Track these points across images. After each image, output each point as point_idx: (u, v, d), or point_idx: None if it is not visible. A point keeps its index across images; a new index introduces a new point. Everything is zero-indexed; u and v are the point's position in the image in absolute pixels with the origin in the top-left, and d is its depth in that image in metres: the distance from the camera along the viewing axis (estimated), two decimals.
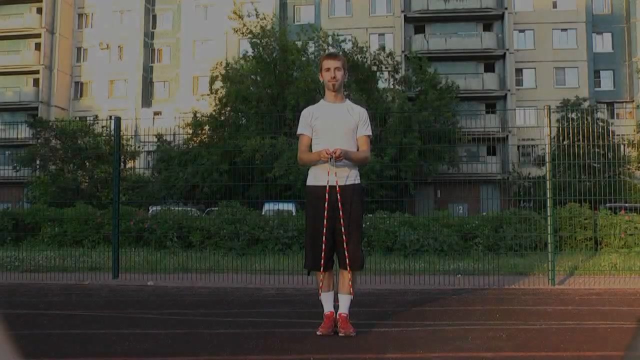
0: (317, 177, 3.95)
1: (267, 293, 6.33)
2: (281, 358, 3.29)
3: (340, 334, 3.81)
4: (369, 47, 29.85)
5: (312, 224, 3.92)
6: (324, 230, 3.83)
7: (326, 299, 3.98)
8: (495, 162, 32.55)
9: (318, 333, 3.86)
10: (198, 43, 40.06)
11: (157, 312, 4.90)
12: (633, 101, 35.94)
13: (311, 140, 4.03)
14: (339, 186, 3.87)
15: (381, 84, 30.07)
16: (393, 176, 20.76)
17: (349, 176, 3.93)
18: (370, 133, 4.05)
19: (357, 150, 4.01)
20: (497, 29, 37.06)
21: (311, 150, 4.01)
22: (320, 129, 3.96)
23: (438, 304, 5.45)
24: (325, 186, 3.88)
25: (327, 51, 27.10)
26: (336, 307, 3.96)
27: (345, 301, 3.92)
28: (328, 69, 3.96)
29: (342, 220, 3.83)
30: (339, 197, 3.84)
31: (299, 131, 4.06)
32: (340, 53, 26.20)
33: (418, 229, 10.84)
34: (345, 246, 3.82)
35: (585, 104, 30.72)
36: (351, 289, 3.93)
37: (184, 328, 4.17)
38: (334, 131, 3.92)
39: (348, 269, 3.86)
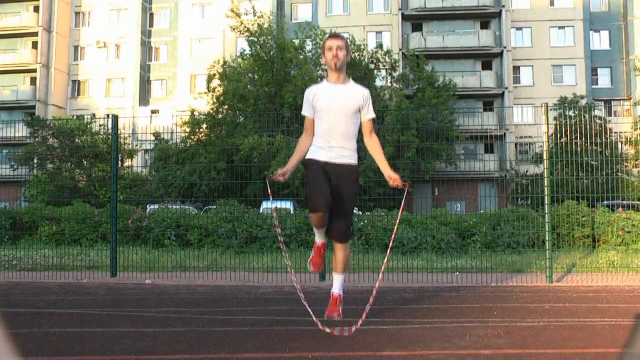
0: (316, 152, 3.98)
1: (265, 291, 6.32)
2: (279, 356, 3.29)
3: (324, 316, 3.94)
4: (367, 45, 29.84)
5: (312, 174, 3.90)
6: (323, 179, 3.84)
7: (319, 234, 4.05)
8: (492, 160, 32.56)
9: (310, 268, 4.06)
10: (195, 41, 40.03)
11: (155, 311, 4.90)
12: (630, 98, 35.99)
13: (313, 121, 4.05)
14: (337, 164, 3.93)
15: (378, 82, 30.07)
16: None
17: (347, 155, 3.97)
18: (374, 115, 4.07)
19: (360, 124, 4.03)
20: (495, 27, 37.09)
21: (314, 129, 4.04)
22: (322, 110, 3.96)
23: (436, 301, 5.46)
24: (324, 161, 3.93)
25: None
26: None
27: (338, 281, 4.04)
28: (330, 48, 3.94)
29: (336, 196, 3.85)
30: (335, 173, 3.91)
31: (302, 112, 4.08)
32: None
33: (416, 226, 10.86)
34: (334, 219, 3.86)
35: (583, 102, 30.79)
36: (344, 267, 4.02)
37: (182, 326, 4.17)
38: (335, 113, 3.93)
39: (334, 239, 3.93)
